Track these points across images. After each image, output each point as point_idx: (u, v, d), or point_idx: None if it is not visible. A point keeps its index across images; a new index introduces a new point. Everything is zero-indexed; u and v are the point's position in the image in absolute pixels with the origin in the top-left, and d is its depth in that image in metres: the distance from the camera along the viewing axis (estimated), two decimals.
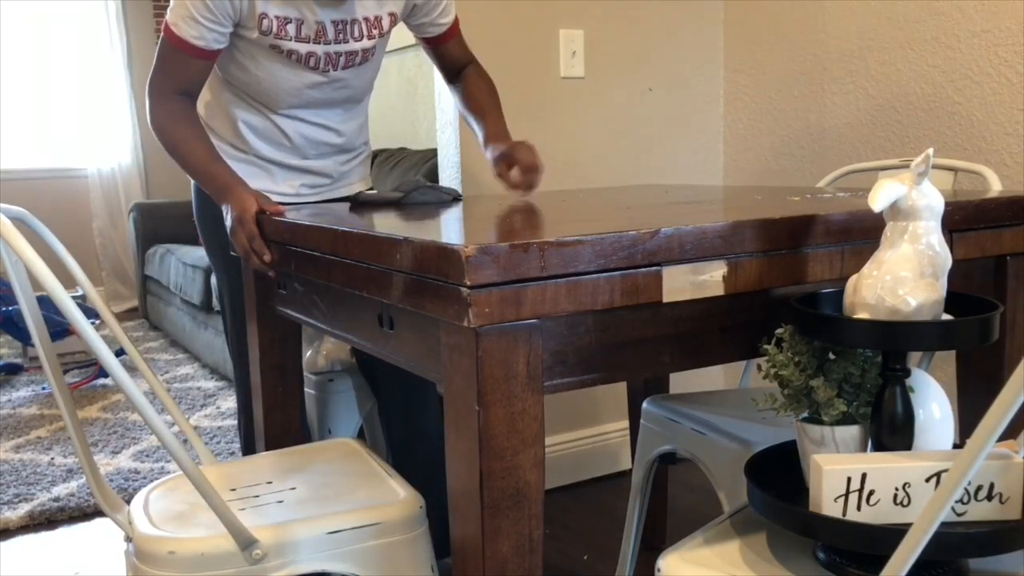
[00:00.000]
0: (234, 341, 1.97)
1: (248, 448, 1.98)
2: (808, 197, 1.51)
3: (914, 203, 1.02)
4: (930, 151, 1.03)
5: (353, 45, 1.73)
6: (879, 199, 1.01)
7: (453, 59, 1.93)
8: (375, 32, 1.75)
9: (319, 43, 1.69)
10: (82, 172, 5.85)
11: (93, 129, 5.79)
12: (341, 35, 1.71)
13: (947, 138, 2.22)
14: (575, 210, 1.43)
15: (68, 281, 5.13)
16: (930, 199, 1.03)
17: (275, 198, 1.83)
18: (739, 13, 2.77)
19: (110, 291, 5.95)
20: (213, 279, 4.01)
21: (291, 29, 1.65)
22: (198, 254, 4.45)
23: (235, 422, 3.45)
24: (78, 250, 5.80)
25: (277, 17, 1.64)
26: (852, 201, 1.40)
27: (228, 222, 1.55)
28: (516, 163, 1.72)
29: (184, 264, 4.46)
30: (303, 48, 1.68)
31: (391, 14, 1.76)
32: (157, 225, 5.27)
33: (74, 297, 4.07)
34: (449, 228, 1.25)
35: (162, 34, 1.64)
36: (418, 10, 1.80)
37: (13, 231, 1.09)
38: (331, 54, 1.71)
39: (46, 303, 3.67)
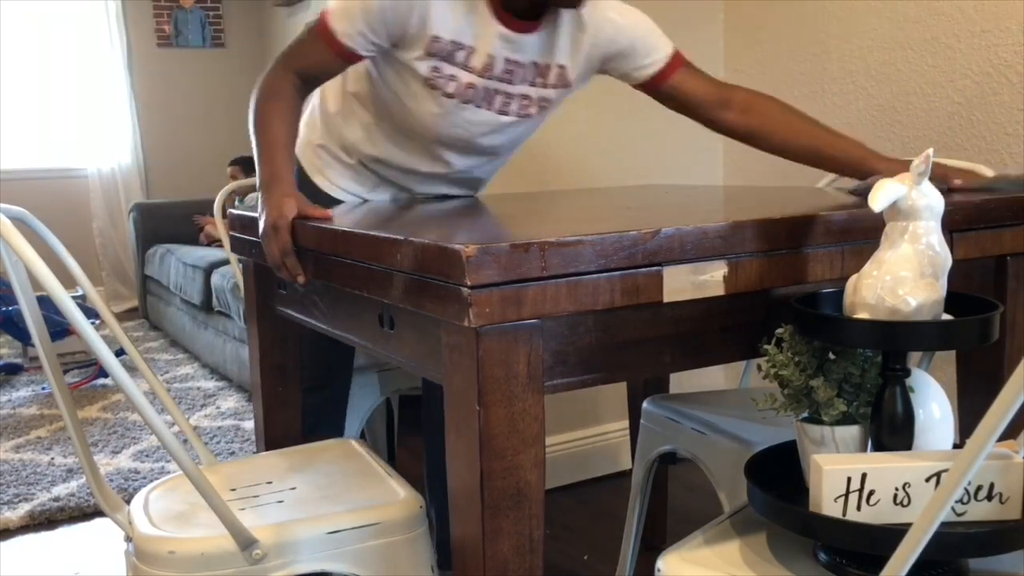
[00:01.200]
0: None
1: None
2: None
3: (914, 203, 1.02)
4: (930, 151, 1.03)
5: (515, 88, 1.60)
6: (879, 199, 1.01)
7: (692, 94, 1.67)
8: (539, 81, 1.60)
9: (484, 77, 1.57)
10: (82, 172, 5.85)
11: (93, 129, 5.79)
12: (508, 75, 1.58)
13: (947, 138, 2.22)
14: (575, 210, 1.43)
15: (68, 281, 5.12)
16: (930, 199, 1.03)
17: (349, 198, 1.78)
18: (739, 13, 2.77)
19: (110, 291, 5.95)
20: (213, 279, 4.01)
21: (460, 56, 1.54)
22: (198, 254, 4.45)
23: (234, 422, 3.45)
24: (78, 250, 5.80)
25: (452, 41, 1.52)
26: (852, 201, 1.40)
27: (261, 224, 1.41)
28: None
29: (184, 264, 4.46)
30: (465, 77, 1.55)
31: (560, 66, 1.60)
32: (157, 225, 5.27)
33: (74, 297, 4.07)
34: (450, 228, 1.25)
35: (318, 16, 1.54)
36: (621, 59, 1.63)
37: (13, 231, 1.09)
38: (491, 90, 1.58)
39: (46, 303, 3.67)
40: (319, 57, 1.54)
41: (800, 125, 1.62)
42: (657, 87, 1.67)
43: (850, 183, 1.66)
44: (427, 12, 1.48)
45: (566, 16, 1.57)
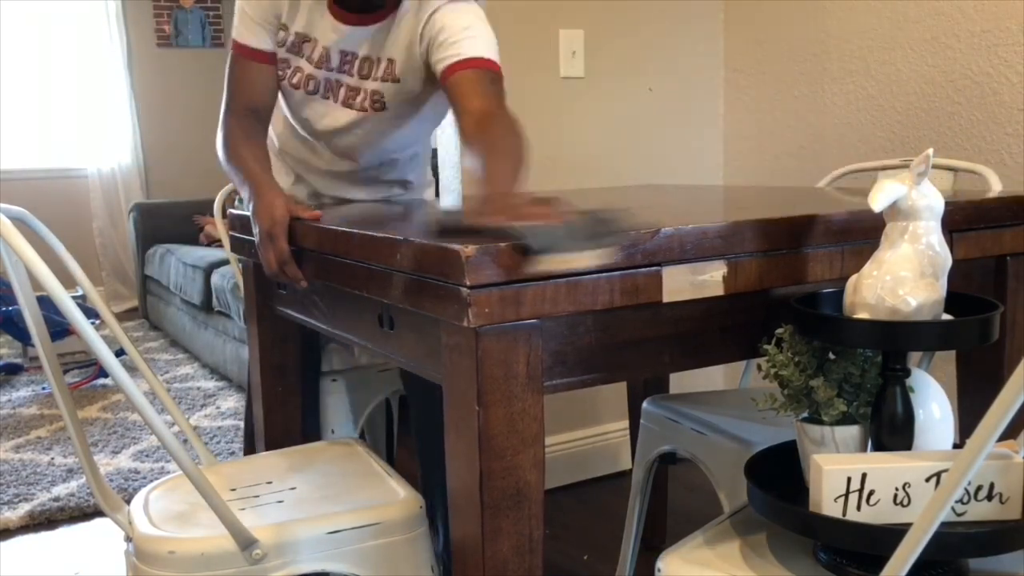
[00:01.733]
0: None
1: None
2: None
3: (914, 203, 1.02)
4: (930, 151, 1.03)
5: (359, 82, 1.62)
6: (879, 199, 1.01)
7: (462, 99, 1.47)
8: (367, 74, 1.61)
9: (322, 68, 1.62)
10: (82, 172, 5.85)
11: (93, 129, 5.79)
12: (344, 67, 1.62)
13: (947, 138, 2.22)
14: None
15: (68, 281, 5.12)
16: (930, 199, 1.03)
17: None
18: (739, 13, 2.77)
19: (110, 291, 5.95)
20: (213, 279, 4.01)
21: (306, 49, 1.61)
22: (198, 254, 4.45)
23: (234, 422, 3.45)
24: (78, 250, 5.79)
25: (297, 33, 1.60)
26: (852, 201, 1.40)
27: (255, 232, 1.42)
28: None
29: (184, 264, 4.46)
30: (307, 68, 1.62)
31: (389, 60, 1.59)
32: (157, 225, 5.27)
33: (74, 297, 4.07)
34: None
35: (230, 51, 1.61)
36: (432, 44, 1.54)
37: (13, 231, 1.09)
38: (331, 81, 1.62)
39: (46, 303, 3.67)
40: (250, 76, 1.60)
41: (489, 153, 1.33)
42: (445, 80, 1.51)
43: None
44: (285, 4, 1.57)
45: (405, 12, 1.55)
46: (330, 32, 1.59)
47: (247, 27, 1.58)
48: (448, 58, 1.50)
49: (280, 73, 1.63)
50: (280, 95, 1.69)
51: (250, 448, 1.97)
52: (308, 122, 1.68)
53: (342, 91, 1.63)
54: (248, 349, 1.77)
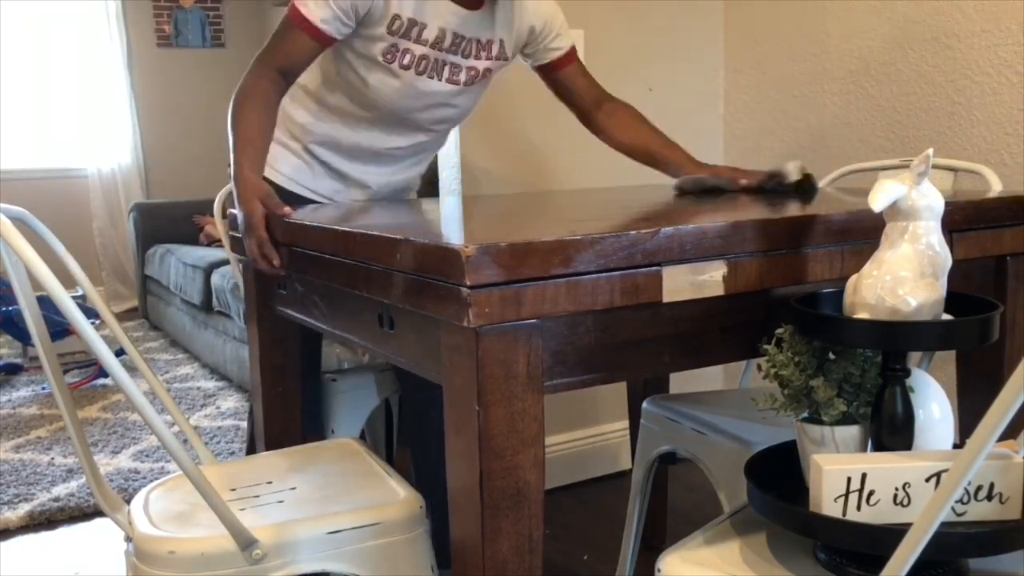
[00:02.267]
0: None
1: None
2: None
3: (914, 203, 1.02)
4: (930, 151, 1.03)
5: (461, 60, 1.74)
6: (879, 199, 1.01)
7: (579, 89, 1.87)
8: (482, 54, 1.75)
9: (434, 48, 1.70)
10: (82, 172, 5.85)
11: (93, 129, 5.79)
12: (455, 47, 1.72)
13: (947, 138, 2.22)
14: (575, 210, 1.43)
15: (68, 281, 5.12)
16: (930, 199, 1.03)
17: (308, 195, 1.85)
18: (739, 13, 2.77)
19: (110, 291, 5.95)
20: (213, 279, 4.01)
21: (415, 32, 1.67)
22: (198, 254, 4.45)
23: (234, 422, 3.45)
24: (78, 250, 5.79)
25: (409, 19, 1.65)
26: (852, 201, 1.40)
27: (239, 219, 1.52)
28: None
29: (184, 264, 4.46)
30: (418, 50, 1.69)
31: (500, 40, 1.76)
32: (157, 225, 5.27)
33: (74, 297, 4.07)
34: (449, 228, 1.25)
35: (286, 12, 1.63)
36: (535, 35, 1.80)
37: (13, 231, 1.09)
38: (440, 61, 1.72)
39: (46, 303, 3.67)
40: (298, 47, 1.63)
41: (642, 131, 1.87)
42: (553, 73, 1.86)
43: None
44: None
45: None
46: (447, 15, 1.68)
47: (319, 6, 1.59)
48: (556, 51, 1.83)
49: (386, 57, 1.68)
50: (345, 83, 1.74)
51: (252, 450, 1.97)
52: (402, 99, 1.74)
53: (446, 69, 1.73)
54: (248, 349, 1.77)
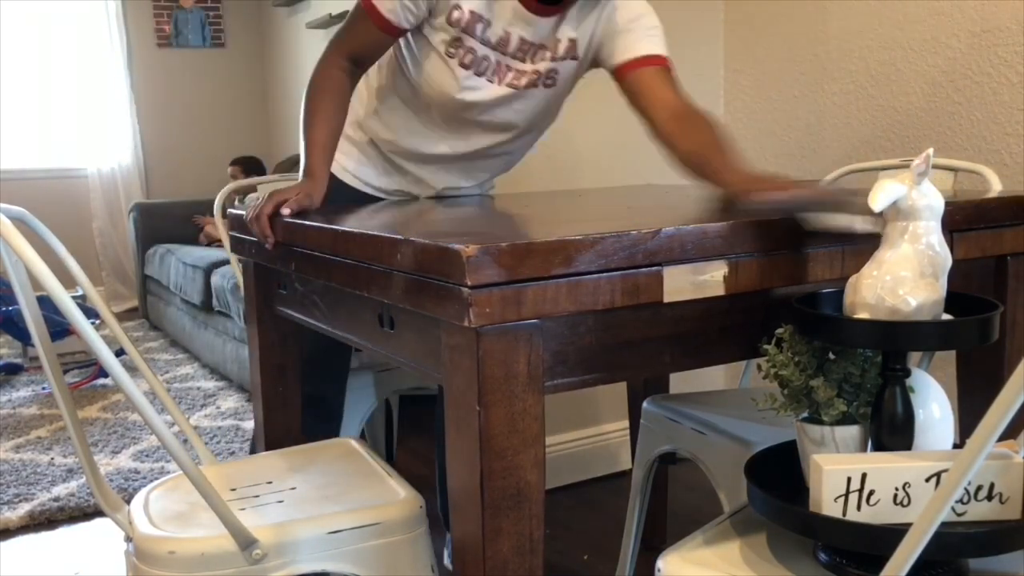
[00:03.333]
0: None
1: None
2: None
3: (914, 203, 1.02)
4: (930, 151, 1.03)
5: (526, 65, 1.65)
6: (879, 199, 1.01)
7: (654, 95, 1.59)
8: (547, 56, 1.65)
9: (497, 51, 1.63)
10: (82, 172, 5.85)
11: (93, 129, 5.79)
12: (520, 53, 1.64)
13: (947, 138, 2.22)
14: (575, 210, 1.43)
15: (68, 281, 5.12)
16: (930, 199, 1.03)
17: (372, 192, 1.85)
18: (739, 13, 2.77)
19: (110, 291, 5.95)
20: (213, 279, 4.01)
21: (479, 29, 1.60)
22: (198, 254, 4.45)
23: (234, 422, 3.45)
24: (78, 250, 5.79)
25: (472, 12, 1.59)
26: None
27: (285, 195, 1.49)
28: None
29: (184, 264, 4.46)
30: (480, 50, 1.62)
31: (570, 39, 1.63)
32: (157, 225, 5.27)
33: (74, 297, 4.07)
34: (450, 228, 1.25)
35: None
36: (611, 34, 1.63)
37: (13, 231, 1.09)
38: (503, 65, 1.64)
39: (46, 303, 3.67)
40: (368, 36, 1.61)
41: (700, 138, 1.51)
42: (627, 75, 1.63)
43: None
44: None
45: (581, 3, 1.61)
46: (517, 19, 1.60)
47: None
48: (628, 52, 1.62)
49: (449, 51, 1.62)
50: (407, 80, 1.70)
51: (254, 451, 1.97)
52: (459, 100, 1.66)
53: (509, 75, 1.66)
54: (248, 349, 1.77)
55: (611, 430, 2.77)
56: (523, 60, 1.65)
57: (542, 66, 1.66)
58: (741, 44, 2.78)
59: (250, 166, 5.04)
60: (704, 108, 1.57)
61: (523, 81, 1.66)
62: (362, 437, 2.17)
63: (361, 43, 1.62)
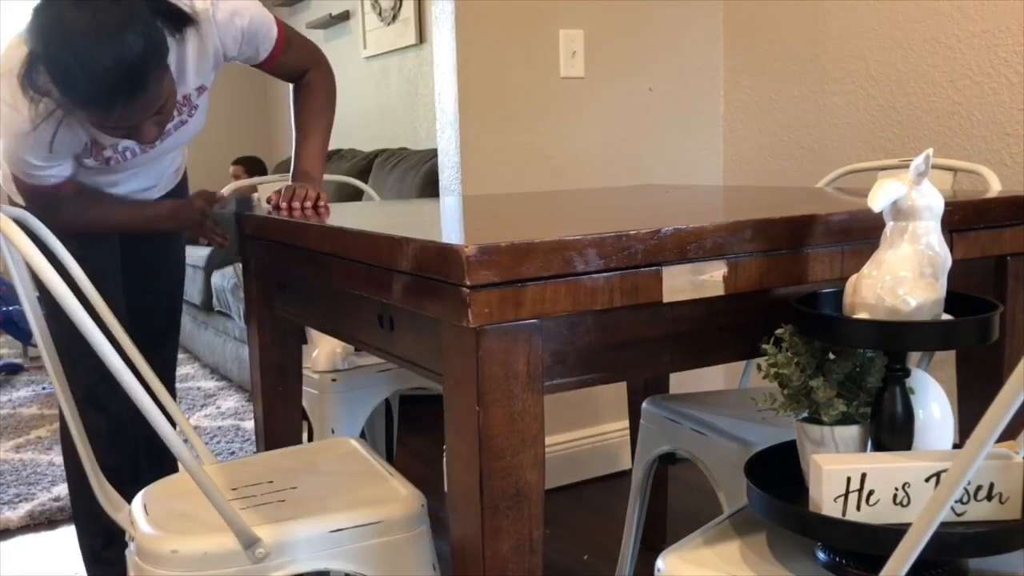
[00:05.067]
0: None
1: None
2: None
3: (914, 203, 1.02)
4: (930, 151, 1.03)
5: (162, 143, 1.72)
6: (879, 199, 1.02)
7: (289, 71, 1.79)
8: (185, 111, 1.70)
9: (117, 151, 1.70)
10: None
11: None
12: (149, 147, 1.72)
13: (947, 138, 2.22)
14: (575, 210, 1.43)
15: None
16: (930, 199, 1.03)
17: None
18: (739, 13, 2.77)
19: None
20: (213, 279, 4.01)
21: (108, 153, 1.67)
22: (198, 254, 4.45)
23: (234, 422, 3.46)
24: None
25: (102, 146, 1.65)
26: (852, 201, 1.40)
27: (196, 223, 1.68)
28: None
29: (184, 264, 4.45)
30: (108, 152, 1.68)
31: (199, 88, 1.70)
32: None
33: None
34: (449, 228, 1.25)
35: (13, 185, 1.68)
36: (239, 58, 1.72)
37: (16, 230, 1.10)
38: (135, 150, 1.70)
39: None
40: (55, 198, 1.71)
41: (304, 115, 1.80)
42: (267, 69, 1.76)
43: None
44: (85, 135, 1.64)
45: (187, 50, 1.61)
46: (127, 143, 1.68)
47: (37, 171, 1.59)
48: (268, 48, 1.71)
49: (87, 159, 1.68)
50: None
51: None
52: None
53: (152, 150, 1.74)
54: (248, 349, 1.78)
55: (611, 430, 2.77)
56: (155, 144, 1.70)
57: (177, 122, 1.71)
58: (741, 44, 2.78)
59: (253, 166, 5.04)
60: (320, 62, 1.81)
61: (165, 140, 1.71)
62: (362, 437, 2.18)
63: (56, 200, 1.67)
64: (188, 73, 1.63)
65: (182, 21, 1.51)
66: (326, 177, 1.92)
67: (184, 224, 1.71)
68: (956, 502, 0.96)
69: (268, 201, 1.68)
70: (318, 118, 1.80)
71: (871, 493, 0.96)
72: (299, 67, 1.78)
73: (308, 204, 1.60)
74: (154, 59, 1.42)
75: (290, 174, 1.77)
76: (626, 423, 2.76)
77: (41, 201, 1.65)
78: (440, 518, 2.37)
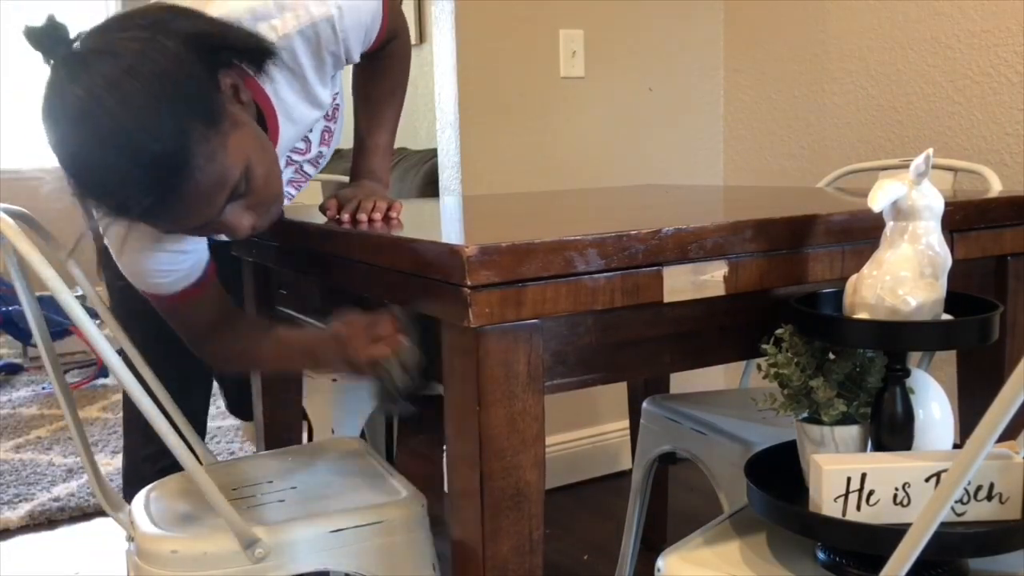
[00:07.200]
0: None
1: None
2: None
3: (914, 203, 1.02)
4: (930, 151, 1.03)
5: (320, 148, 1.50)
6: (879, 199, 1.02)
7: (377, 49, 1.41)
8: (332, 115, 1.45)
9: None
10: None
11: None
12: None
13: (947, 138, 2.22)
14: (576, 210, 1.43)
15: (68, 281, 5.11)
16: (930, 199, 1.03)
17: None
18: (739, 13, 2.77)
19: None
20: None
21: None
22: None
23: (234, 422, 3.45)
24: (78, 250, 5.78)
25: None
26: (852, 201, 1.40)
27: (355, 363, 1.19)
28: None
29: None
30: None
31: (334, 95, 1.40)
32: None
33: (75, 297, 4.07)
34: (450, 228, 1.25)
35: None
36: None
37: (16, 230, 1.10)
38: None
39: (46, 302, 3.66)
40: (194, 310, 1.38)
41: (377, 100, 1.44)
42: (369, 52, 1.40)
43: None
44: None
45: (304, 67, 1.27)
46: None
47: (157, 276, 1.27)
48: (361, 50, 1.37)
49: None
50: None
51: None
52: None
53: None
54: None
55: (611, 430, 2.77)
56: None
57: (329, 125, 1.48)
58: (741, 44, 2.78)
59: None
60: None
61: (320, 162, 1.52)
62: (362, 437, 2.18)
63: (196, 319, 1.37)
64: (314, 88, 1.29)
65: (262, 54, 1.14)
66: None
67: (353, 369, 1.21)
68: (956, 502, 0.96)
69: (323, 209, 1.39)
70: (390, 102, 1.46)
71: (871, 493, 0.96)
72: (386, 41, 1.40)
73: (377, 216, 1.29)
74: (189, 132, 1.04)
75: (350, 171, 1.46)
76: (626, 423, 2.75)
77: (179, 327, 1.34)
78: (440, 518, 2.37)
